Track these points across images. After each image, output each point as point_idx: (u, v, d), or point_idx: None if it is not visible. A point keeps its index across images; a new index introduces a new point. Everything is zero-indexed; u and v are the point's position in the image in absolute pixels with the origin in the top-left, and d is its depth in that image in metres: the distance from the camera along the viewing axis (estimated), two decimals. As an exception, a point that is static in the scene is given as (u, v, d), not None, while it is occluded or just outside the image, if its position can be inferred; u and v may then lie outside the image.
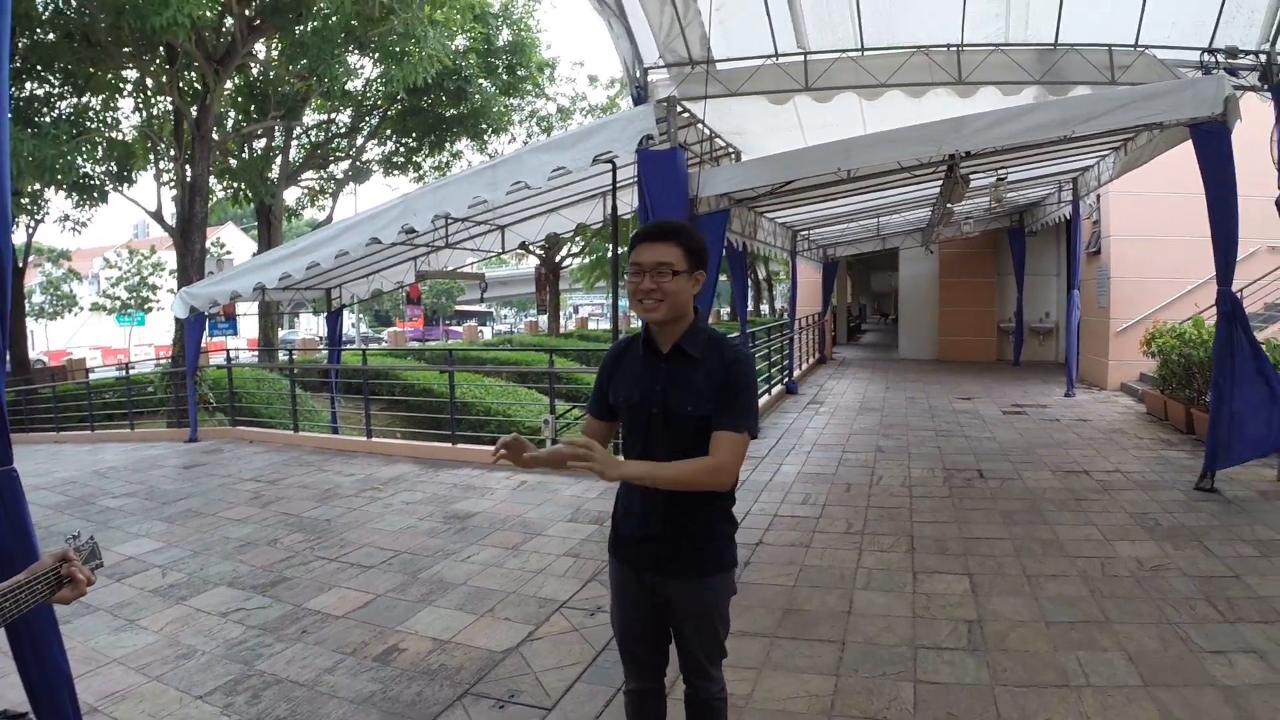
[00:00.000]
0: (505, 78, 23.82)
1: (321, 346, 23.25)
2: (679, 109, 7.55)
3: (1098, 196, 13.86)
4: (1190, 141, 6.78)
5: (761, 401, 12.71)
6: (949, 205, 11.86)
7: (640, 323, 2.58)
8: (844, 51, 8.15)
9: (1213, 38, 7.64)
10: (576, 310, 58.06)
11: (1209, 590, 4.75)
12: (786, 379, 15.62)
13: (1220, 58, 7.56)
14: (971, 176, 10.57)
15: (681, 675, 2.72)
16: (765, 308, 50.65)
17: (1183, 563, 5.26)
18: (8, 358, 2.56)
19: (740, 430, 2.40)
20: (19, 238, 23.78)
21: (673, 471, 2.38)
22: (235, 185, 22.10)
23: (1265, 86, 7.54)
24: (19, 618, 2.01)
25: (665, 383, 2.49)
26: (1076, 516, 6.44)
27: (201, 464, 10.28)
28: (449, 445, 10.27)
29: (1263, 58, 7.51)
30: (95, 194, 17.69)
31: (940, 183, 10.73)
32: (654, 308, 2.44)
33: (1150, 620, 4.36)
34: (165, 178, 19.53)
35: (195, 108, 17.36)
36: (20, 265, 23.31)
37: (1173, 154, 8.84)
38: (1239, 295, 6.97)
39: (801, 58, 8.21)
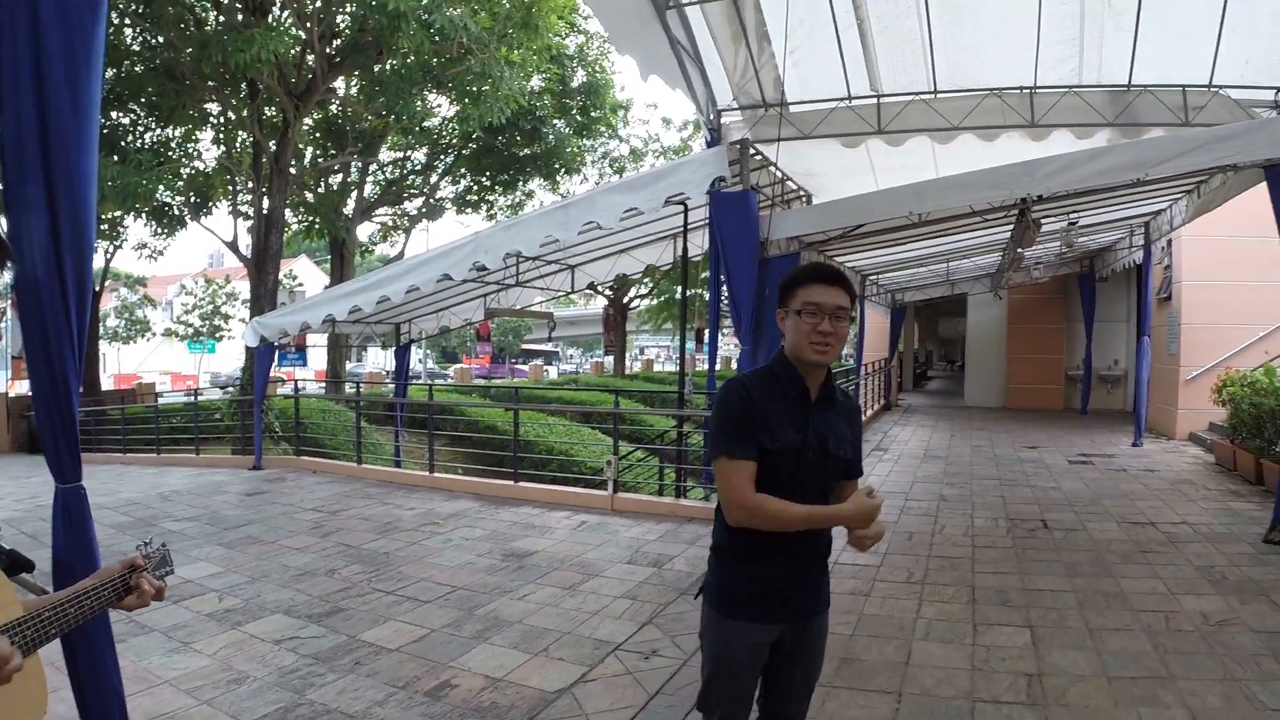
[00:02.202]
0: (579, 119, 24.10)
1: (388, 380, 23.52)
2: (751, 151, 7.54)
3: (1169, 241, 13.53)
4: (1265, 184, 6.58)
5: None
6: (1020, 250, 11.70)
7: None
8: (917, 94, 8.12)
9: (1287, 77, 7.47)
10: (642, 352, 57.84)
11: (1276, 647, 4.56)
12: (851, 425, 15.33)
13: (1294, 97, 7.39)
14: (1043, 220, 10.42)
15: None
16: (831, 352, 50.20)
17: (1249, 618, 5.06)
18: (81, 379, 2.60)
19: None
20: (97, 262, 24.45)
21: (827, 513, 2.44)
22: (310, 219, 22.70)
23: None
24: (80, 625, 1.99)
25: (819, 427, 2.46)
26: (1141, 569, 6.23)
27: (264, 491, 10.40)
28: (511, 483, 10.23)
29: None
30: (174, 222, 18.24)
31: (1011, 227, 10.60)
32: (827, 351, 2.41)
33: (1214, 677, 4.20)
34: (242, 209, 20.03)
35: (274, 142, 17.87)
36: (96, 289, 23.95)
37: (1245, 197, 8.62)
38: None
39: (874, 100, 8.19)
